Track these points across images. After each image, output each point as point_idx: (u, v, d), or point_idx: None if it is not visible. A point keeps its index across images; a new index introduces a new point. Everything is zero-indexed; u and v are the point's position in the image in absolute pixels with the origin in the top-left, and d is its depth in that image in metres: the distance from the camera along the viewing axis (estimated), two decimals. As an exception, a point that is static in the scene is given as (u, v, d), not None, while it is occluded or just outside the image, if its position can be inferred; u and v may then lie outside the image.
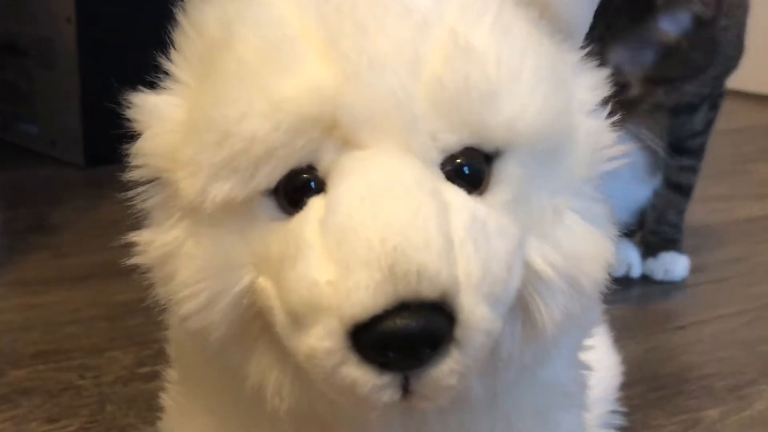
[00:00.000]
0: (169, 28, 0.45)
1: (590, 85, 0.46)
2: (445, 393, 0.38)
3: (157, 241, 0.44)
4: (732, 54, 1.23)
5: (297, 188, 0.40)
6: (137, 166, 0.44)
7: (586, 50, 0.47)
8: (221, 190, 0.40)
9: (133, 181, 0.44)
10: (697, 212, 1.32)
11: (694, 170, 1.29)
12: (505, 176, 0.41)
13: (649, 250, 1.29)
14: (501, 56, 0.40)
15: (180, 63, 0.45)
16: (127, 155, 0.44)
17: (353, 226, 0.37)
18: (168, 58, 0.45)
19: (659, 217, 1.30)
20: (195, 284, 0.41)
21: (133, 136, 0.44)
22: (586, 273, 0.43)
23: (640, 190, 1.31)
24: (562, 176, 0.43)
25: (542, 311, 0.42)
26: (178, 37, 0.45)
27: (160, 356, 0.90)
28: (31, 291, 1.14)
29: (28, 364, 0.94)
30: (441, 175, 0.40)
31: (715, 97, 1.27)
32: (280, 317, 0.39)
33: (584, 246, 0.43)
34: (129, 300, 1.07)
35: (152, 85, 0.45)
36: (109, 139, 0.44)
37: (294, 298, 0.38)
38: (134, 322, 1.03)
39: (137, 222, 0.46)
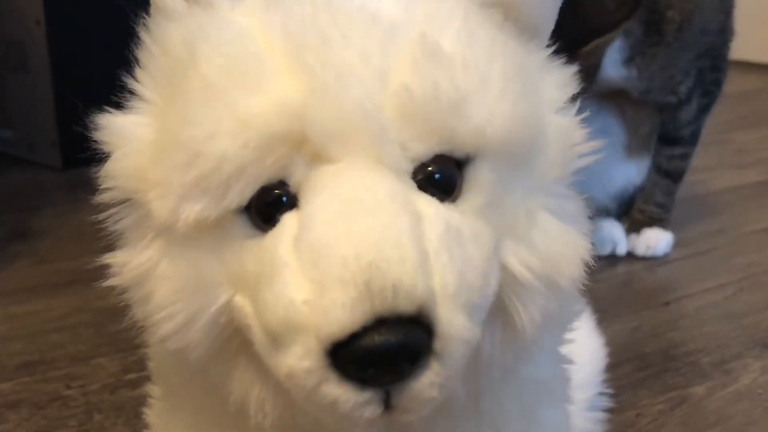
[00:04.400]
0: (137, 31, 0.45)
1: (559, 82, 0.46)
2: (427, 405, 0.38)
3: (131, 263, 0.43)
4: (713, 29, 1.22)
5: (269, 204, 0.40)
6: (107, 188, 0.44)
7: (553, 48, 0.46)
8: (193, 210, 0.40)
9: (104, 203, 0.44)
10: (678, 184, 1.32)
11: (685, 157, 1.28)
12: (477, 181, 0.41)
13: (634, 226, 1.30)
14: (469, 62, 0.40)
15: (145, 81, 0.44)
16: (104, 158, 0.44)
17: (327, 243, 0.37)
18: (133, 76, 0.45)
19: (647, 198, 1.30)
20: (171, 305, 0.41)
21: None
22: (562, 272, 0.43)
23: (622, 169, 1.30)
24: (534, 177, 0.43)
25: (521, 313, 0.42)
26: (142, 54, 0.45)
27: (146, 362, 0.90)
28: (14, 300, 1.13)
29: (13, 376, 0.94)
30: (413, 185, 0.40)
31: (707, 83, 1.25)
32: (258, 336, 0.39)
33: (559, 246, 0.43)
34: (112, 305, 1.06)
35: (119, 104, 0.45)
36: (86, 140, 0.44)
37: (271, 318, 0.37)
38: (119, 328, 1.02)
39: (112, 236, 0.45)
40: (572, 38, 1.08)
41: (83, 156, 0.43)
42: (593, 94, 1.23)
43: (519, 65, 0.43)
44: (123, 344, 0.99)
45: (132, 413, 0.86)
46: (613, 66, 1.17)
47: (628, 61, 1.17)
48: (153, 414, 0.54)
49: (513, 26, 0.44)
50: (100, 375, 0.94)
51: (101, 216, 0.44)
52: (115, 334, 1.02)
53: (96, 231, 0.44)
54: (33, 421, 0.85)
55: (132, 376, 0.93)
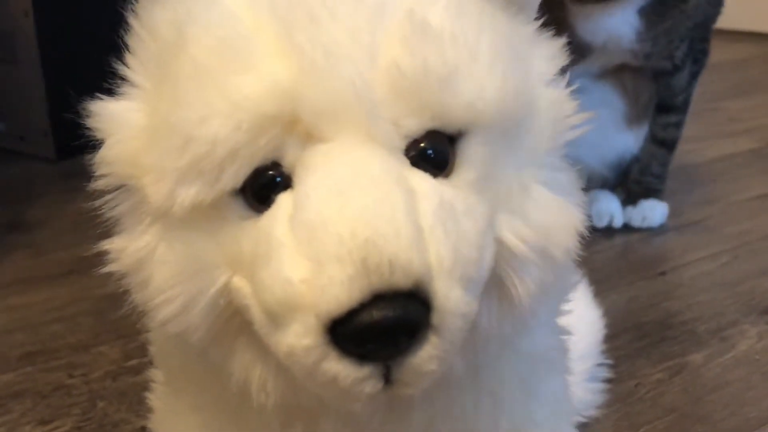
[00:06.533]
0: (126, 17, 0.45)
1: (548, 55, 0.46)
2: (427, 378, 0.39)
3: (129, 248, 0.44)
4: (705, 2, 1.23)
5: (264, 186, 0.40)
6: (102, 175, 0.44)
7: (541, 21, 0.47)
8: (188, 194, 0.40)
9: (99, 190, 0.44)
10: (671, 155, 1.33)
11: (678, 125, 1.31)
12: (470, 156, 0.41)
13: (630, 198, 1.31)
14: (457, 36, 0.40)
15: (135, 66, 0.44)
16: (97, 147, 0.44)
17: (322, 221, 0.37)
18: (123, 62, 0.45)
19: (643, 169, 1.31)
20: (170, 289, 0.42)
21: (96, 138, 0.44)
22: (557, 244, 0.43)
23: (622, 138, 1.32)
24: (526, 150, 0.43)
25: (517, 285, 0.42)
26: (131, 40, 0.45)
27: (147, 348, 0.91)
28: (12, 292, 1.13)
29: (15, 367, 0.94)
30: (406, 162, 0.40)
31: (697, 51, 1.27)
32: (257, 316, 0.39)
33: (553, 217, 0.43)
34: (111, 293, 1.06)
35: (110, 91, 0.45)
36: (79, 130, 0.44)
37: (269, 298, 0.38)
38: (118, 315, 1.03)
39: (108, 223, 0.45)
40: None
41: (76, 146, 0.43)
42: (595, 67, 1.25)
43: (508, 39, 0.43)
44: (123, 331, 1.00)
45: (135, 399, 0.86)
46: (625, 16, 1.18)
47: (641, 11, 1.18)
48: (156, 398, 0.55)
49: (501, 0, 0.44)
50: (102, 363, 0.94)
51: (97, 203, 0.45)
52: (115, 322, 1.02)
53: (92, 220, 0.44)
54: (37, 411, 0.85)
55: (133, 362, 0.94)
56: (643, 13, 1.19)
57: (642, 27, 1.19)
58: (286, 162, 0.40)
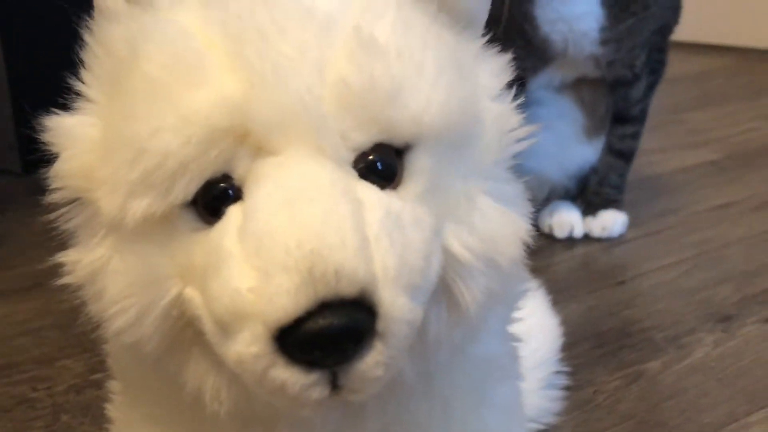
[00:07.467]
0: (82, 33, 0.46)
1: (493, 70, 0.47)
2: (373, 384, 0.40)
3: (83, 260, 0.44)
4: (666, 6, 1.26)
5: (215, 198, 0.41)
6: (57, 188, 0.45)
7: (487, 37, 0.48)
8: (140, 206, 0.41)
9: (54, 203, 0.45)
10: (633, 166, 1.35)
11: (635, 136, 1.33)
12: (417, 168, 0.42)
13: (590, 209, 1.33)
14: (403, 52, 0.42)
15: (90, 82, 0.45)
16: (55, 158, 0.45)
17: (270, 231, 0.38)
18: (78, 78, 0.46)
19: (602, 180, 1.33)
20: (123, 300, 0.42)
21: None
22: (502, 253, 0.44)
23: (581, 150, 1.34)
24: (473, 162, 0.45)
25: (464, 293, 0.43)
26: (86, 56, 0.45)
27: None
28: (-23, 306, 1.13)
29: (-22, 381, 0.94)
30: (354, 174, 0.41)
31: (654, 62, 1.30)
32: (208, 326, 0.40)
33: (499, 227, 0.44)
34: (76, 307, 1.07)
35: (67, 106, 0.46)
36: (44, 144, 0.45)
37: (219, 307, 0.39)
38: (83, 329, 1.03)
39: (66, 236, 0.46)
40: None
41: (42, 160, 0.44)
42: (556, 79, 1.27)
43: (453, 54, 0.44)
44: (87, 345, 1.00)
45: (98, 412, 0.86)
46: (588, 4, 1.20)
47: (604, 1, 1.20)
48: (114, 409, 0.56)
49: (447, 17, 0.46)
50: (66, 376, 0.95)
51: (53, 216, 0.45)
52: (80, 336, 1.02)
53: (57, 234, 0.45)
54: (0, 425, 0.85)
55: (97, 376, 0.94)
56: (607, 4, 1.20)
57: (605, 21, 1.20)
58: (237, 174, 0.41)
